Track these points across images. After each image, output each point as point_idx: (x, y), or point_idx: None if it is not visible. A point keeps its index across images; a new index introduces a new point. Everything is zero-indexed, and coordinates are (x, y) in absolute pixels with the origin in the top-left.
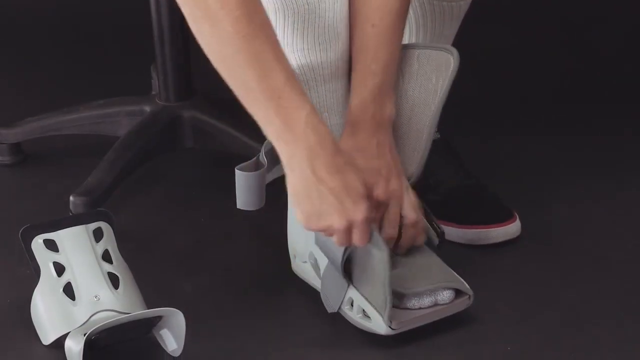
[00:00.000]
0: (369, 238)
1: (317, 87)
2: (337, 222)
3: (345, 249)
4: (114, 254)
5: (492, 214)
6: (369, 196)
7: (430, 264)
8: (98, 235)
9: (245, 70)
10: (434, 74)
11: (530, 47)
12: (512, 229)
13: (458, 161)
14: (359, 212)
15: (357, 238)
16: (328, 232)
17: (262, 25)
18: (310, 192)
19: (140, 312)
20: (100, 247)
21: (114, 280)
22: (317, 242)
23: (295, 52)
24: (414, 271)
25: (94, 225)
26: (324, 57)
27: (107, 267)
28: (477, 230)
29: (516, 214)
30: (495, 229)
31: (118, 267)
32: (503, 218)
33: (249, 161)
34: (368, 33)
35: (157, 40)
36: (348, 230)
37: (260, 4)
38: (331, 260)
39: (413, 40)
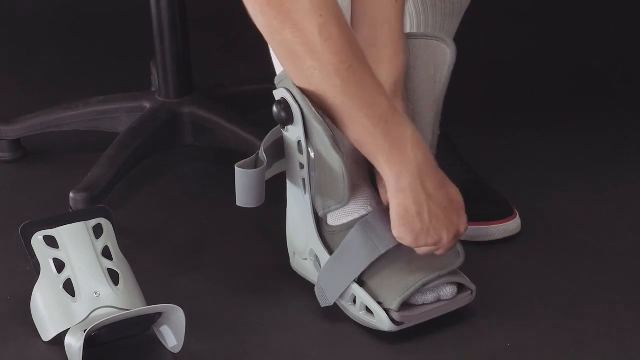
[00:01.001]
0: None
1: None
2: (446, 236)
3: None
4: (114, 250)
5: (492, 210)
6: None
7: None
8: (98, 231)
9: (353, 100)
10: (432, 64)
11: (532, 45)
12: (512, 225)
13: (458, 157)
14: (463, 224)
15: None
16: (436, 247)
17: (361, 52)
18: (421, 209)
19: (140, 308)
20: (100, 244)
21: (114, 276)
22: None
23: None
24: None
25: (93, 222)
26: None
27: (107, 264)
28: (477, 227)
29: (516, 210)
30: (495, 225)
31: (118, 263)
32: (503, 214)
33: (249, 158)
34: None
35: (157, 36)
36: (454, 242)
37: (351, 30)
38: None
39: None
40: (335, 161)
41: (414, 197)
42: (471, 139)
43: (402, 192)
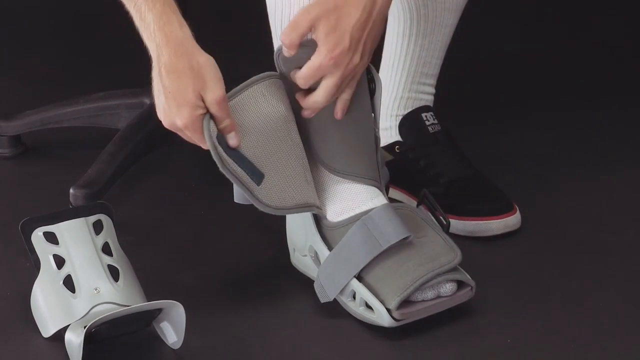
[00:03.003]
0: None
1: None
2: (163, 120)
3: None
4: (114, 246)
5: (492, 205)
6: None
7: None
8: (98, 227)
9: None
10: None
11: (532, 40)
12: (512, 221)
13: (458, 152)
14: (179, 117)
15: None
16: (180, 133)
17: None
18: (156, 87)
19: (140, 304)
20: (100, 240)
21: (114, 272)
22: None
23: None
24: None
25: (93, 218)
26: None
27: (107, 260)
28: (477, 222)
29: (516, 206)
30: (495, 220)
31: (118, 259)
32: (503, 210)
33: None
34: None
35: None
36: (175, 130)
37: None
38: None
39: (414, 30)
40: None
41: (154, 74)
42: (471, 134)
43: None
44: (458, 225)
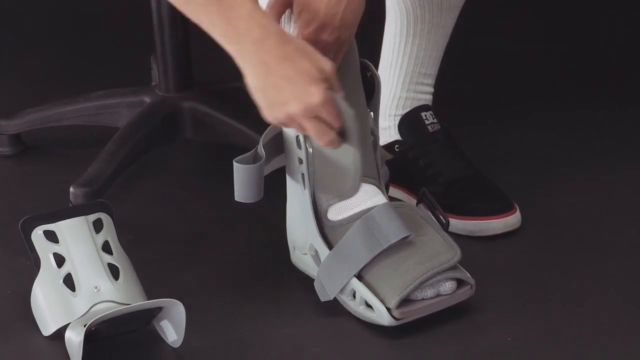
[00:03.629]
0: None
1: None
2: (293, 107)
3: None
4: (114, 244)
5: (493, 205)
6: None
7: (435, 246)
8: (98, 226)
9: None
10: None
11: (531, 40)
12: (512, 220)
13: (458, 152)
14: (314, 95)
15: (324, 121)
16: (290, 122)
17: None
18: (264, 84)
19: (140, 303)
20: (100, 238)
21: (114, 271)
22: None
23: None
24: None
25: (93, 216)
26: None
27: (107, 258)
28: (477, 222)
29: (516, 205)
30: (496, 220)
31: (118, 258)
32: (503, 209)
33: (247, 153)
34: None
35: (157, 31)
36: (308, 116)
37: None
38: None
39: (411, 31)
40: (350, 154)
41: (255, 74)
42: (471, 134)
43: (245, 70)
44: (458, 224)
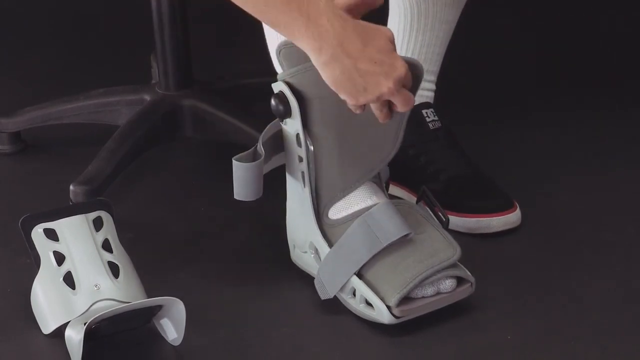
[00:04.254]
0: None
1: None
2: (386, 85)
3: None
4: (114, 242)
5: (493, 202)
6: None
7: (434, 243)
8: (98, 224)
9: None
10: None
11: (534, 41)
12: (512, 218)
13: (458, 149)
14: (399, 67)
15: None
16: (379, 101)
17: None
18: (351, 74)
19: (140, 301)
20: (100, 236)
21: (114, 269)
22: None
23: None
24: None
25: (93, 215)
26: None
27: (107, 256)
28: (477, 219)
29: (516, 203)
30: (496, 217)
31: (118, 256)
32: (503, 207)
33: (247, 152)
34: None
35: (157, 29)
36: (399, 89)
37: None
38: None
39: (415, 26)
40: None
41: (339, 67)
42: (471, 134)
43: (327, 65)
44: (458, 222)
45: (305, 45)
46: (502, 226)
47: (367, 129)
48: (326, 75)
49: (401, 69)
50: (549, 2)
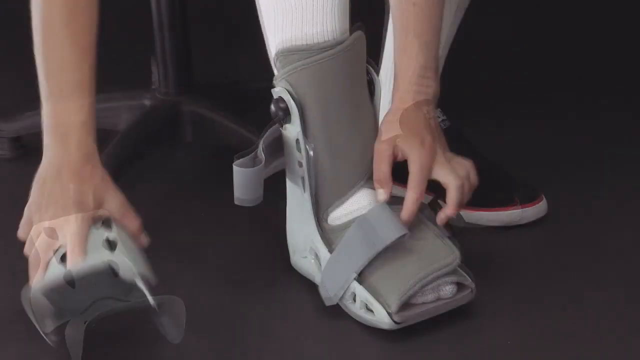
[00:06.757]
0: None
1: None
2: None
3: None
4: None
5: (521, 194)
6: None
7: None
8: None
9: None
10: None
11: (534, 41)
12: (542, 207)
13: (472, 148)
14: (70, 222)
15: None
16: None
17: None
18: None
19: (140, 300)
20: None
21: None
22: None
23: None
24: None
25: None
26: None
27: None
28: (509, 212)
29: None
30: (529, 208)
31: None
32: (533, 197)
33: (247, 156)
34: (409, 11)
35: (157, 33)
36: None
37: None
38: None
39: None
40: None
41: (47, 176)
42: (471, 134)
43: (46, 160)
44: (490, 216)
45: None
46: (534, 216)
47: (363, 134)
48: (41, 166)
49: (70, 227)
50: (549, 2)
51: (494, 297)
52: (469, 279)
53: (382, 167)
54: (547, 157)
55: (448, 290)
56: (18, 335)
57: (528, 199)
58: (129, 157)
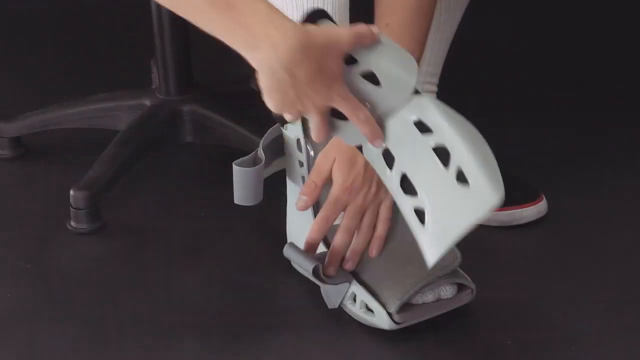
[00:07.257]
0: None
1: None
2: (312, 104)
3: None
4: None
5: (521, 193)
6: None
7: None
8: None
9: None
10: None
11: (535, 41)
12: (542, 206)
13: None
14: (334, 94)
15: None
16: (301, 114)
17: None
18: (281, 85)
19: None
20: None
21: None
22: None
23: None
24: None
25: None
26: None
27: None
28: (510, 212)
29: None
30: (528, 208)
31: None
32: (533, 197)
33: (247, 156)
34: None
35: (157, 34)
36: (325, 112)
37: None
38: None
39: None
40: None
41: (273, 77)
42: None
43: (261, 73)
44: (490, 216)
45: (245, 54)
46: (534, 216)
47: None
48: (261, 81)
49: (335, 95)
50: (549, 2)
51: (494, 297)
52: (469, 279)
53: (313, 177)
54: (547, 157)
55: (448, 290)
56: (18, 336)
57: (528, 199)
58: (129, 157)
